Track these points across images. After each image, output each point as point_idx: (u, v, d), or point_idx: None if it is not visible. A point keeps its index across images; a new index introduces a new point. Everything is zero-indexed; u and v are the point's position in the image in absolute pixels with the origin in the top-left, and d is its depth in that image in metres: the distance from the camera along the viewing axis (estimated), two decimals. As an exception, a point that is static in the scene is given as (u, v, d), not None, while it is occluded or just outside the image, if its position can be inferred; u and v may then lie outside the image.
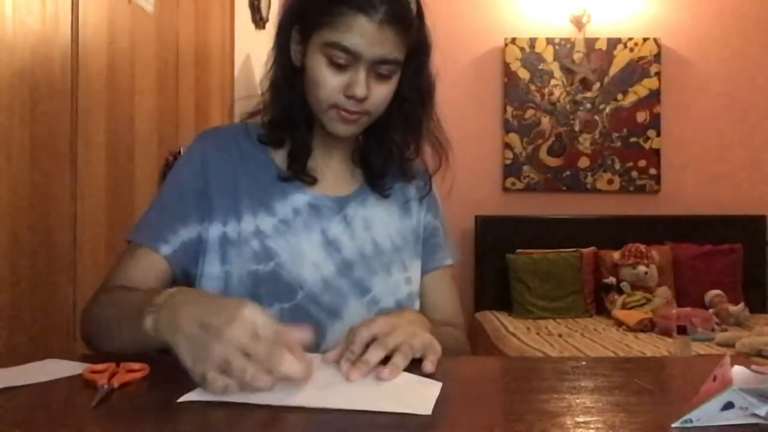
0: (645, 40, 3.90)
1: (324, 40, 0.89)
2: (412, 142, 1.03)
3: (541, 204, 3.94)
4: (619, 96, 3.91)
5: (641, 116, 3.91)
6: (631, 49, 3.90)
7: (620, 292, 3.47)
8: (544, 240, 3.73)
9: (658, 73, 3.91)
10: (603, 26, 3.93)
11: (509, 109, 3.93)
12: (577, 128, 3.92)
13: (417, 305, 1.04)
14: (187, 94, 2.04)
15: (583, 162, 3.93)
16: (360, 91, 0.90)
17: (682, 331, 2.31)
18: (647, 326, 3.09)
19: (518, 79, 3.92)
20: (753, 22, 3.95)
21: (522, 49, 3.91)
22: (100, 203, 1.50)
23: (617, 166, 3.92)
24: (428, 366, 0.75)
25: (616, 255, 3.56)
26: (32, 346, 1.23)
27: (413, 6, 0.93)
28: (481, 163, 3.90)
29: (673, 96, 3.94)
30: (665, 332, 2.90)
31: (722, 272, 3.62)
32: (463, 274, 3.76)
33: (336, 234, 1.00)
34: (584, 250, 3.65)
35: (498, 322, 3.40)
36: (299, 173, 0.99)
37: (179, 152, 1.76)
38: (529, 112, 3.93)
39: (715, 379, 0.57)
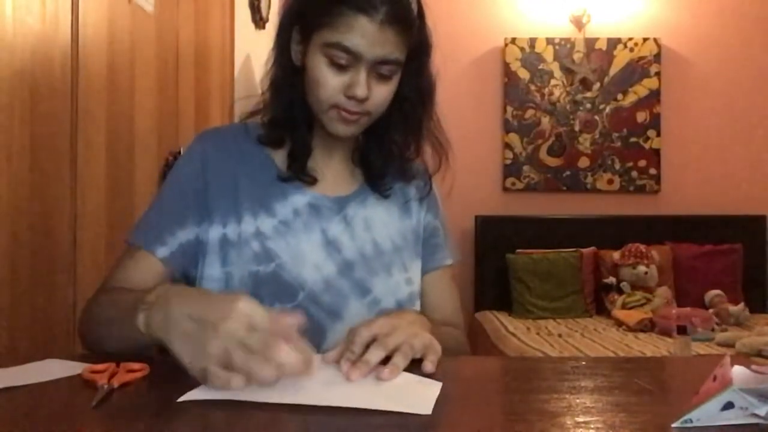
0: (645, 40, 3.90)
1: (325, 41, 0.89)
2: (412, 142, 1.03)
3: (541, 204, 3.94)
4: (619, 96, 3.91)
5: (641, 116, 3.92)
6: (631, 49, 3.90)
7: (620, 292, 3.47)
8: (544, 240, 3.73)
9: (658, 73, 3.91)
10: (603, 26, 3.93)
11: (509, 109, 3.93)
12: (577, 128, 3.92)
13: (417, 306, 1.04)
14: (187, 94, 2.04)
15: (583, 162, 3.93)
16: (361, 91, 0.90)
17: (682, 331, 2.31)
18: (647, 326, 3.09)
19: (518, 79, 3.92)
20: (753, 22, 3.95)
21: (522, 49, 3.91)
22: (100, 203, 1.50)
23: (617, 166, 3.92)
24: (428, 366, 0.75)
25: (616, 255, 3.56)
26: (32, 346, 1.23)
27: (414, 6, 0.93)
28: (481, 163, 3.90)
29: (673, 96, 3.94)
30: (665, 332, 2.90)
31: (722, 272, 3.62)
32: (463, 274, 3.76)
33: (336, 234, 1.00)
34: (584, 250, 3.65)
35: (498, 322, 3.40)
36: (299, 173, 0.99)
37: (179, 152, 1.76)
38: (529, 112, 3.93)
39: (715, 379, 0.57)
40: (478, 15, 3.95)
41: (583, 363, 0.85)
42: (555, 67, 3.91)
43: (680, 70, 3.95)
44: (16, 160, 1.19)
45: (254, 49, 2.68)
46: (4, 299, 1.16)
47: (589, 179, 3.93)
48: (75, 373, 0.72)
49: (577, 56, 3.91)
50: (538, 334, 3.10)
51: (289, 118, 0.99)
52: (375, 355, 0.72)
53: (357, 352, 0.74)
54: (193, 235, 0.96)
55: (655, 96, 3.91)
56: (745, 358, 1.75)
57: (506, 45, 3.92)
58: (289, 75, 0.97)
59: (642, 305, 3.32)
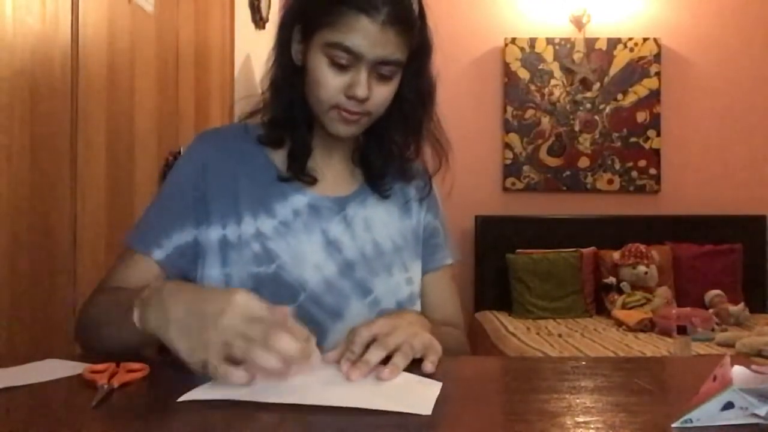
0: (645, 40, 3.90)
1: (326, 41, 0.89)
2: (412, 143, 1.03)
3: (541, 204, 3.94)
4: (619, 96, 3.91)
5: (641, 116, 3.92)
6: (631, 49, 3.90)
7: (620, 292, 3.47)
8: (544, 240, 3.73)
9: (658, 73, 3.91)
10: (603, 26, 3.93)
11: (509, 109, 3.93)
12: (577, 128, 3.92)
13: (418, 306, 1.04)
14: (187, 94, 2.04)
15: (583, 162, 3.93)
16: (361, 91, 0.90)
17: (682, 331, 2.31)
18: (647, 326, 3.09)
19: (518, 79, 3.92)
20: (753, 22, 3.95)
21: (522, 49, 3.91)
22: (100, 203, 1.50)
23: (617, 166, 3.92)
24: (428, 366, 0.75)
25: (616, 255, 3.56)
26: (32, 346, 1.23)
27: (415, 7, 0.93)
28: (481, 163, 3.90)
29: (673, 96, 3.94)
30: (665, 332, 2.90)
31: (722, 272, 3.62)
32: (463, 274, 3.76)
33: (337, 234, 1.00)
34: (584, 250, 3.65)
35: (498, 322, 3.40)
36: (299, 173, 0.99)
37: (179, 152, 1.76)
38: (529, 112, 3.93)
39: (715, 379, 0.57)
40: (478, 15, 3.95)
41: (583, 363, 0.85)
42: (555, 67, 3.91)
43: (680, 70, 3.95)
44: (16, 160, 1.19)
45: (254, 49, 2.68)
46: (4, 299, 1.16)
47: (589, 179, 3.93)
48: (75, 373, 0.72)
49: (577, 56, 3.91)
50: (538, 334, 3.10)
51: (289, 117, 0.99)
52: (375, 355, 0.72)
53: (357, 352, 0.74)
54: (191, 237, 0.96)
55: (655, 96, 3.91)
56: (745, 358, 1.75)
57: (506, 45, 3.92)
58: (289, 74, 0.96)
59: (642, 305, 3.32)
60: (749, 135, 3.95)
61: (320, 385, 0.68)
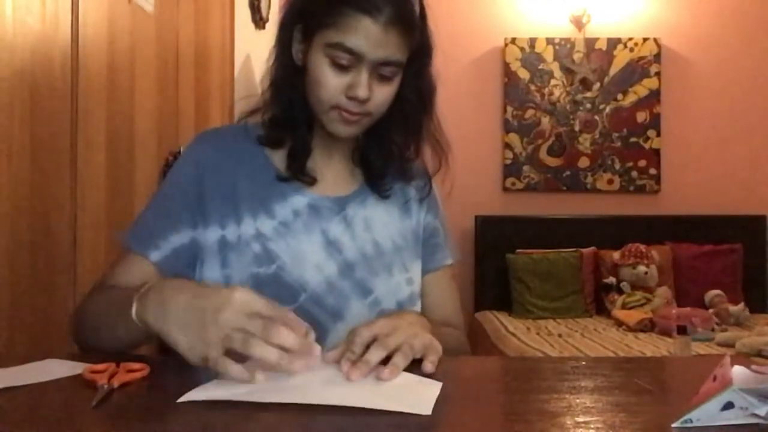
0: (645, 40, 3.90)
1: (327, 41, 0.89)
2: (412, 143, 1.03)
3: (541, 204, 3.94)
4: (619, 96, 3.91)
5: (641, 116, 3.92)
6: (631, 49, 3.90)
7: (620, 292, 3.47)
8: (544, 240, 3.73)
9: (658, 73, 3.91)
10: (603, 26, 3.93)
11: (509, 109, 3.93)
12: (577, 128, 3.92)
13: (418, 306, 1.04)
14: (187, 94, 2.04)
15: (583, 162, 3.93)
16: (362, 92, 0.89)
17: (682, 331, 2.31)
18: (647, 326, 3.09)
19: (518, 79, 3.92)
20: (753, 22, 3.95)
21: (522, 49, 3.91)
22: (100, 203, 1.50)
23: (617, 166, 3.92)
24: (428, 366, 0.75)
25: (616, 255, 3.56)
26: (32, 346, 1.23)
27: (417, 8, 0.93)
28: (481, 163, 3.90)
29: (673, 96, 3.94)
30: (665, 332, 2.90)
31: (722, 272, 3.62)
32: (463, 274, 3.76)
33: (337, 235, 0.99)
34: (584, 250, 3.65)
35: (498, 322, 3.40)
36: (298, 173, 0.99)
37: (179, 152, 1.75)
38: (529, 112, 3.93)
39: (715, 379, 0.57)
40: (478, 15, 3.95)
41: (583, 363, 0.85)
42: (555, 67, 3.91)
43: (680, 70, 3.95)
44: (16, 160, 1.19)
45: (254, 49, 2.68)
46: (4, 299, 1.16)
47: (589, 179, 3.93)
48: (75, 373, 0.72)
49: (577, 56, 3.91)
50: (538, 334, 3.10)
51: (289, 117, 0.99)
52: (375, 355, 0.72)
53: (357, 352, 0.74)
54: (188, 239, 0.96)
55: (655, 96, 3.91)
56: (745, 358, 1.75)
57: (506, 45, 3.92)
58: (289, 74, 0.96)
59: (642, 305, 3.32)
60: (749, 135, 3.95)
61: (320, 385, 0.68)
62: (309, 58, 0.92)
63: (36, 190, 1.25)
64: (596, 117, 3.92)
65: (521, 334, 3.08)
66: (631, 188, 3.92)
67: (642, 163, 3.92)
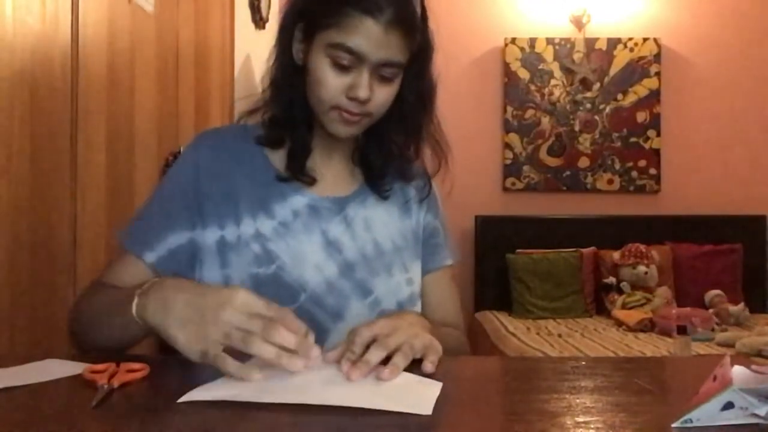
0: (645, 40, 3.90)
1: (328, 41, 0.89)
2: (412, 144, 1.03)
3: (541, 204, 3.94)
4: (619, 96, 3.91)
5: (641, 116, 3.92)
6: (631, 49, 3.90)
7: (620, 292, 3.47)
8: (544, 240, 3.73)
9: (658, 73, 3.91)
10: (603, 26, 3.93)
11: (509, 109, 3.93)
12: (577, 128, 3.92)
13: (418, 306, 1.04)
14: (187, 94, 2.04)
15: (583, 162, 3.93)
16: (363, 93, 0.89)
17: (682, 331, 2.31)
18: (647, 326, 3.09)
19: (518, 79, 3.92)
20: (753, 22, 3.95)
21: (522, 49, 3.91)
22: (100, 203, 1.50)
23: (617, 166, 3.92)
24: (428, 366, 0.75)
25: (616, 255, 3.56)
26: (32, 346, 1.23)
27: (418, 9, 0.93)
28: (481, 163, 3.90)
29: (673, 96, 3.94)
30: (665, 332, 2.90)
31: (722, 272, 3.62)
32: (463, 274, 3.76)
33: (336, 235, 0.99)
34: (584, 250, 3.65)
35: (498, 322, 3.40)
36: (298, 173, 0.99)
37: (179, 152, 1.75)
38: (529, 112, 3.93)
39: (715, 379, 0.57)
40: (478, 15, 3.95)
41: (583, 363, 0.85)
42: (555, 67, 3.91)
43: (680, 70, 3.95)
44: (16, 160, 1.19)
45: (254, 49, 2.68)
46: (4, 299, 1.16)
47: (589, 179, 3.93)
48: (75, 373, 0.72)
49: (577, 56, 3.91)
50: (538, 334, 3.10)
51: (289, 117, 0.99)
52: (375, 355, 0.72)
53: (357, 352, 0.74)
54: (185, 240, 0.96)
55: (655, 96, 3.91)
56: (745, 358, 1.75)
57: (506, 45, 3.92)
58: (290, 74, 0.96)
59: (642, 305, 3.32)
60: (749, 135, 3.96)
61: (320, 385, 0.68)
62: (310, 58, 0.92)
63: (36, 190, 1.25)
64: (596, 117, 3.92)
65: (521, 334, 3.08)
66: (631, 188, 3.93)
67: (642, 163, 3.92)
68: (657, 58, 3.90)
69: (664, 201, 3.94)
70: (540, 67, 3.91)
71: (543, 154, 3.93)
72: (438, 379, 0.71)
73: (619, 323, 3.22)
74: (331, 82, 0.90)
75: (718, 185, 3.94)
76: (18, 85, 1.20)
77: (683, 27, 3.95)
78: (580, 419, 0.59)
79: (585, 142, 3.92)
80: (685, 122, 3.96)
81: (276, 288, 0.94)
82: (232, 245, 0.95)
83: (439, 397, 0.65)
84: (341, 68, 0.89)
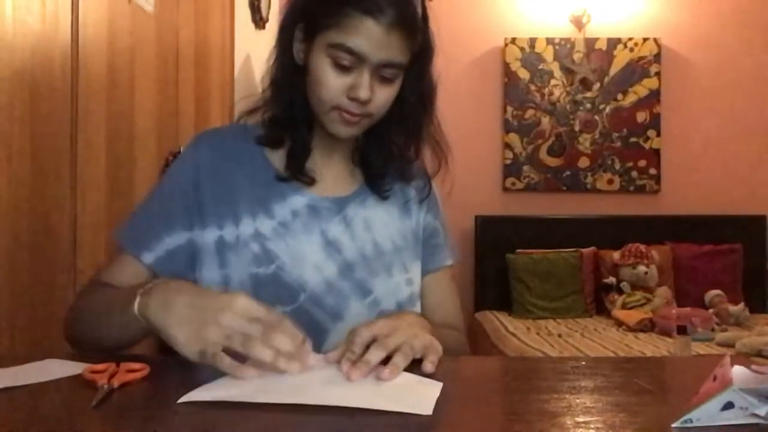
0: (645, 40, 3.90)
1: (329, 41, 0.89)
2: (412, 144, 1.03)
3: (541, 204, 3.94)
4: (619, 96, 3.91)
5: (641, 116, 3.92)
6: (631, 49, 3.90)
7: (620, 292, 3.47)
8: (544, 240, 3.73)
9: (658, 73, 3.91)
10: (603, 26, 3.93)
11: (509, 109, 3.93)
12: (577, 128, 3.92)
13: (418, 307, 1.04)
14: (187, 94, 2.04)
15: (583, 162, 3.93)
16: (364, 93, 0.89)
17: (682, 331, 2.31)
18: (647, 326, 3.09)
19: (518, 79, 3.92)
20: (753, 22, 3.95)
21: (522, 49, 3.91)
22: (100, 203, 1.50)
23: (617, 166, 3.92)
24: (428, 366, 0.75)
25: (616, 255, 3.56)
26: (32, 346, 1.23)
27: (419, 10, 0.93)
28: (481, 163, 3.90)
29: (673, 96, 3.94)
30: (665, 332, 2.90)
31: (722, 272, 3.62)
32: (463, 274, 3.76)
33: (336, 235, 0.99)
34: (584, 250, 3.65)
35: (498, 322, 3.40)
36: (297, 173, 0.99)
37: (179, 152, 1.75)
38: (529, 112, 3.93)
39: (715, 379, 0.57)
40: (478, 15, 3.95)
41: (583, 363, 0.85)
42: (555, 67, 3.91)
43: (680, 70, 3.95)
44: (16, 160, 1.19)
45: (254, 49, 2.68)
46: (4, 299, 1.16)
47: (589, 179, 3.93)
48: (75, 373, 0.72)
49: (577, 56, 3.91)
50: (538, 334, 3.10)
51: (289, 117, 0.98)
52: (375, 355, 0.72)
53: (357, 352, 0.74)
54: (184, 240, 0.96)
55: (655, 96, 3.91)
56: (745, 358, 1.75)
57: (506, 45, 3.92)
58: (290, 74, 0.96)
59: (642, 305, 3.32)
60: (749, 135, 3.96)
61: (320, 385, 0.68)
62: (310, 58, 0.92)
63: (36, 190, 1.25)
64: (596, 117, 3.92)
65: (521, 334, 3.08)
66: (631, 188, 3.93)
67: (642, 163, 3.92)
68: (657, 58, 3.90)
69: (664, 201, 3.94)
70: (540, 67, 3.91)
71: (543, 154, 3.93)
72: (438, 379, 0.71)
73: (619, 323, 3.22)
74: (331, 83, 0.90)
75: (718, 185, 3.94)
76: (18, 85, 1.20)
77: (683, 27, 3.95)
78: (580, 419, 0.59)
79: (585, 142, 3.92)
80: (685, 122, 3.96)
81: (275, 288, 0.94)
82: (231, 245, 0.95)
83: (439, 397, 0.65)
84: (342, 69, 0.89)
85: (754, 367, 0.57)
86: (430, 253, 1.08)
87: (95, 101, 1.48)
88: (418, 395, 0.65)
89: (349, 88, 0.90)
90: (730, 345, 2.68)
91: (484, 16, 3.96)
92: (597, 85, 3.91)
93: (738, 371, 0.55)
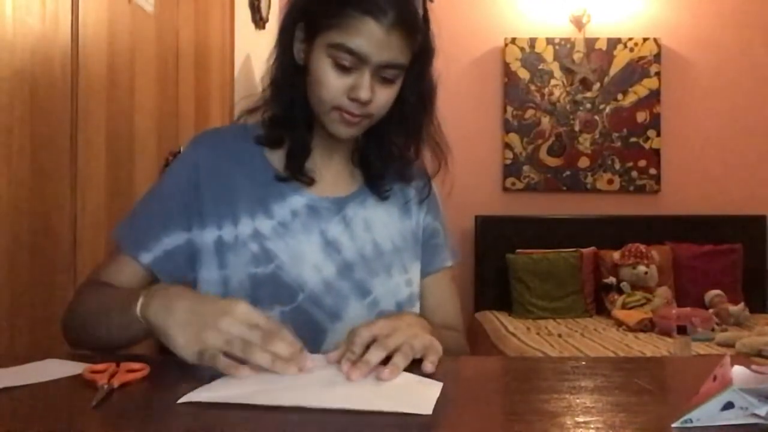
0: (645, 40, 3.90)
1: (330, 41, 0.88)
2: (412, 145, 1.03)
3: (541, 204, 3.94)
4: (619, 96, 3.91)
5: (641, 116, 3.92)
6: (631, 49, 3.90)
7: (620, 292, 3.47)
8: (544, 240, 3.73)
9: (658, 73, 3.91)
10: (603, 26, 3.93)
11: (509, 109, 3.93)
12: (577, 128, 3.92)
13: (417, 307, 1.04)
14: (187, 94, 2.04)
15: (583, 162, 3.93)
16: (364, 94, 0.89)
17: (682, 331, 2.31)
18: (647, 326, 3.09)
19: (518, 79, 3.92)
20: (753, 22, 3.95)
21: (522, 49, 3.91)
22: (100, 203, 1.50)
23: (617, 166, 3.92)
24: (428, 366, 0.75)
25: (616, 255, 3.56)
26: (32, 346, 1.23)
27: (420, 11, 0.93)
28: (481, 163, 3.90)
29: (673, 96, 3.94)
30: (665, 332, 2.90)
31: (722, 272, 3.62)
32: (463, 274, 3.76)
33: (335, 235, 0.99)
34: (584, 250, 3.65)
35: (498, 322, 3.40)
36: (296, 173, 0.99)
37: (179, 152, 1.75)
38: (529, 112, 3.93)
39: (715, 379, 0.57)
40: (478, 15, 3.95)
41: (583, 363, 0.85)
42: (555, 67, 3.91)
43: (680, 70, 3.95)
44: (16, 160, 1.19)
45: (254, 49, 2.68)
46: (4, 299, 1.16)
47: (589, 179, 3.93)
48: (75, 373, 0.72)
49: (577, 56, 3.91)
50: (538, 334, 3.10)
51: (289, 117, 0.98)
52: (375, 355, 0.72)
53: (357, 353, 0.74)
54: (182, 240, 0.96)
55: (655, 96, 3.91)
56: (745, 358, 1.75)
57: (506, 45, 3.92)
58: (290, 73, 0.96)
59: (642, 305, 3.32)
60: (749, 135, 3.96)
61: (320, 386, 0.68)
62: (311, 58, 0.92)
63: (36, 190, 1.25)
64: (596, 117, 3.92)
65: (521, 334, 3.08)
66: (631, 188, 3.93)
67: (642, 163, 3.92)
68: (657, 58, 3.90)
69: (664, 201, 3.94)
70: (540, 67, 3.91)
71: (543, 154, 3.93)
72: (438, 379, 0.71)
73: (619, 323, 3.22)
74: (332, 83, 0.90)
75: (718, 185, 3.94)
76: (18, 85, 1.20)
77: (683, 27, 3.95)
78: (580, 419, 0.59)
79: (585, 142, 3.92)
80: (685, 122, 3.96)
81: (274, 288, 0.94)
82: (230, 245, 0.95)
83: (439, 397, 0.65)
84: (342, 69, 0.89)
85: (754, 367, 0.57)
86: (430, 254, 1.08)
87: (95, 101, 1.48)
88: (418, 395, 0.65)
89: (349, 88, 0.90)
90: (730, 345, 2.68)
91: (484, 16, 3.96)
92: (597, 85, 3.91)
93: (738, 371, 0.55)
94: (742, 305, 3.34)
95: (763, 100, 3.95)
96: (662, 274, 3.51)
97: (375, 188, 1.04)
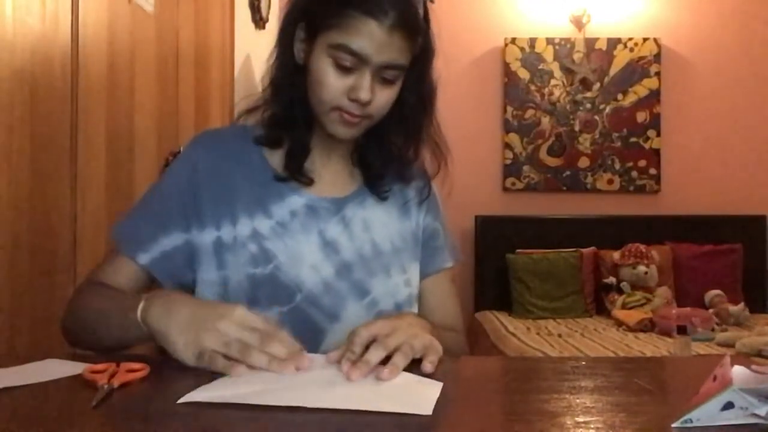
0: (645, 40, 3.90)
1: (331, 42, 0.88)
2: (411, 145, 1.02)
3: (541, 204, 3.94)
4: (619, 96, 3.91)
5: (641, 116, 3.91)
6: (631, 49, 3.90)
7: (620, 292, 3.47)
8: (544, 240, 3.73)
9: (658, 73, 3.91)
10: (603, 26, 3.93)
11: (509, 109, 3.93)
12: (577, 128, 3.92)
13: (416, 308, 1.04)
14: (187, 94, 2.04)
15: (583, 162, 3.93)
16: (365, 95, 0.89)
17: (682, 331, 2.31)
18: (647, 326, 3.08)
19: (518, 79, 3.92)
20: (753, 22, 3.95)
21: (522, 49, 3.91)
22: (100, 203, 1.50)
23: (617, 166, 3.92)
24: (428, 366, 0.75)
25: (616, 255, 3.56)
26: (32, 346, 1.23)
27: (421, 12, 0.92)
28: (481, 163, 3.90)
29: (673, 96, 3.94)
30: (665, 332, 2.90)
31: (722, 272, 3.62)
32: (463, 274, 3.76)
33: (334, 235, 0.99)
34: (584, 250, 3.65)
35: (498, 322, 3.40)
36: (295, 173, 0.99)
37: (179, 152, 1.75)
38: (529, 112, 3.93)
39: (715, 379, 0.57)
40: (478, 15, 3.95)
41: (583, 363, 0.85)
42: (555, 67, 3.91)
43: (680, 70, 3.95)
44: (16, 160, 1.19)
45: (254, 49, 2.68)
46: (4, 299, 1.16)
47: (589, 179, 3.93)
48: (75, 373, 0.72)
49: (577, 56, 3.91)
50: (538, 334, 3.10)
51: (289, 117, 0.98)
52: (375, 355, 0.72)
53: (357, 353, 0.74)
54: (181, 241, 0.96)
55: (655, 96, 3.91)
56: (745, 358, 1.75)
57: (506, 45, 3.92)
58: (290, 73, 0.96)
59: (642, 305, 3.31)
60: (749, 135, 3.95)
61: (320, 386, 0.68)
62: (311, 58, 0.92)
63: (36, 190, 1.25)
64: (596, 117, 3.92)
65: (521, 334, 3.08)
66: (631, 188, 3.93)
67: (642, 163, 3.92)
68: (657, 58, 3.90)
69: (664, 201, 3.94)
70: (540, 67, 3.91)
71: (543, 154, 3.93)
72: (438, 379, 0.71)
73: (619, 323, 3.22)
74: (332, 83, 0.90)
75: (718, 185, 3.94)
76: (18, 85, 1.20)
77: (683, 27, 3.95)
78: (580, 419, 0.59)
79: (585, 142, 3.92)
80: (685, 122, 3.96)
81: (272, 288, 0.94)
82: (229, 246, 0.95)
83: (439, 397, 0.65)
84: (343, 69, 0.89)
85: (754, 367, 0.57)
86: (430, 255, 1.08)
87: (95, 101, 1.48)
88: (418, 395, 0.65)
89: (349, 89, 0.90)
90: (730, 345, 2.68)
91: (484, 16, 3.96)
92: (597, 85, 3.91)
93: (738, 371, 0.55)
94: (742, 305, 3.34)
95: (763, 100, 3.95)
96: (662, 274, 3.51)
97: (374, 188, 1.04)
